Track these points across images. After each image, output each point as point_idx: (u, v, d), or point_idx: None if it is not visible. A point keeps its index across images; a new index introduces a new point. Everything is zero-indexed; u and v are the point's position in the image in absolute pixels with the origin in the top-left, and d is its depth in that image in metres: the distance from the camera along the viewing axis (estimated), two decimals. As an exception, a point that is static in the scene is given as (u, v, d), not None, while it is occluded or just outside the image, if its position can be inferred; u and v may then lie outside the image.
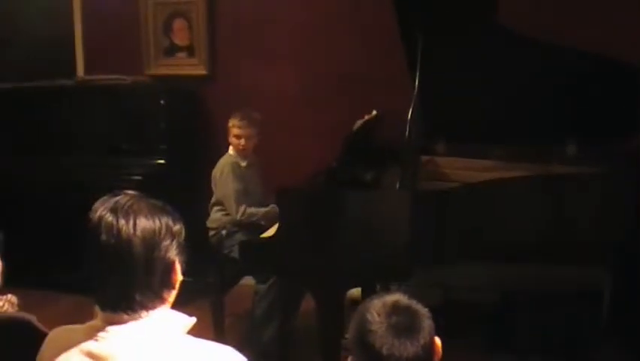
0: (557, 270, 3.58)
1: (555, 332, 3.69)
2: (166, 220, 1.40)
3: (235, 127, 3.71)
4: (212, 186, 3.76)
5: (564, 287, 3.70)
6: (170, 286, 1.41)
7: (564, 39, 3.17)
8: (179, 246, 1.41)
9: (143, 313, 1.37)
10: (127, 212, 1.36)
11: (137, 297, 1.36)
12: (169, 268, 1.39)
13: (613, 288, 3.50)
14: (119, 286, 1.35)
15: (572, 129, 3.34)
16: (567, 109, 3.30)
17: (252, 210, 3.63)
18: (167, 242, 1.38)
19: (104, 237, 1.33)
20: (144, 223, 1.36)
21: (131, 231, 1.34)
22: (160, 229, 1.38)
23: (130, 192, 1.44)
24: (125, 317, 1.37)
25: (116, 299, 1.36)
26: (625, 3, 3.88)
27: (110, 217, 1.35)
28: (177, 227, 1.42)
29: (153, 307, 1.38)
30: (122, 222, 1.34)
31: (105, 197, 1.41)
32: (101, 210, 1.37)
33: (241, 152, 3.74)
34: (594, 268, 3.48)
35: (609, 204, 3.03)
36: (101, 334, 1.36)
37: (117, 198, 1.39)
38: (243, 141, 3.71)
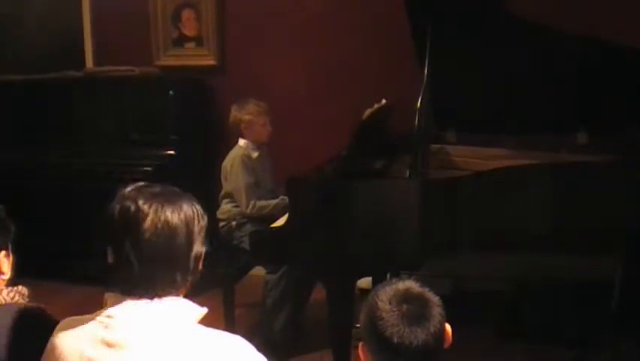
0: (569, 259, 3.56)
1: (566, 322, 3.68)
2: (199, 208, 1.46)
3: (260, 116, 3.72)
4: (222, 178, 3.76)
5: (576, 277, 3.68)
6: (197, 271, 1.46)
7: (574, 26, 3.14)
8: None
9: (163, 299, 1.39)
10: (170, 200, 1.40)
11: (177, 277, 1.40)
12: (198, 255, 1.45)
13: (626, 279, 3.48)
14: (162, 272, 1.39)
15: (583, 118, 3.32)
16: (579, 97, 3.27)
17: (262, 203, 3.63)
18: (202, 225, 1.45)
19: (148, 223, 1.36)
20: (187, 210, 1.42)
21: (176, 219, 1.38)
22: (196, 215, 1.44)
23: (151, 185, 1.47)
24: (138, 301, 1.38)
25: (154, 282, 1.39)
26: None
27: (154, 206, 1.38)
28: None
29: (177, 293, 1.42)
30: (167, 211, 1.38)
31: (130, 187, 1.43)
32: (141, 201, 1.38)
33: (266, 139, 3.76)
34: (606, 258, 3.46)
35: (621, 194, 3.00)
36: (111, 322, 1.37)
37: (151, 187, 1.43)
38: (270, 127, 3.74)
